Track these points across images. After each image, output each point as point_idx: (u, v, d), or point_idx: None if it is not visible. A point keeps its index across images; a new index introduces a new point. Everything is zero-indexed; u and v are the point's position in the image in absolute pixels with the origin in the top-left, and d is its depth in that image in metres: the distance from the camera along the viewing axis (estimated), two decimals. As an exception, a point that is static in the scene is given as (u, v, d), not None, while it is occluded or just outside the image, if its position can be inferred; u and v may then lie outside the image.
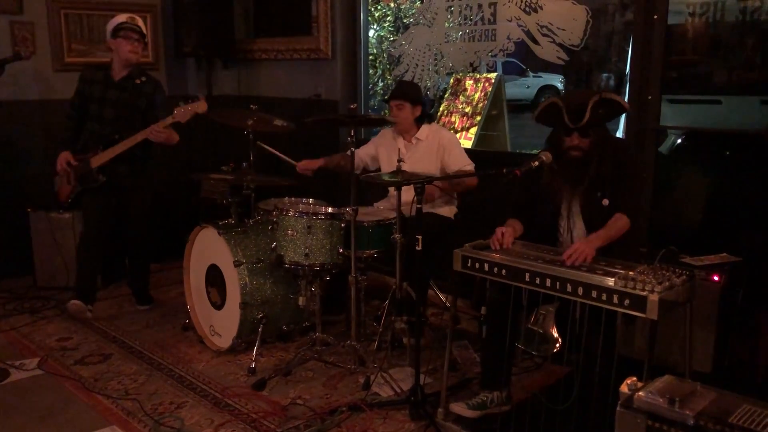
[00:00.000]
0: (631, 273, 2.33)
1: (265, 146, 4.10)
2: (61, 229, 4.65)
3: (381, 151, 4.08)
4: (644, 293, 2.22)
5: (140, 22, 4.08)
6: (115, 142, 3.97)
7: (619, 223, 2.72)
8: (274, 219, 3.57)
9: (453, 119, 5.93)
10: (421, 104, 3.95)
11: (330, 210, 3.62)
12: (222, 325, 3.74)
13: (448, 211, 3.95)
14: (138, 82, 4.09)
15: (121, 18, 4.04)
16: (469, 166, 3.84)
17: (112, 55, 4.11)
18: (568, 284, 2.40)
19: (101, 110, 4.07)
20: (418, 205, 3.01)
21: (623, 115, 3.90)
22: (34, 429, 2.97)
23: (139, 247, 4.38)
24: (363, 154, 4.11)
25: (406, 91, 3.91)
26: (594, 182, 2.79)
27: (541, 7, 4.02)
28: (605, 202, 2.78)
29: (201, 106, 3.84)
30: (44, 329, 4.09)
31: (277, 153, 4.12)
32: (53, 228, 4.65)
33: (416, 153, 3.92)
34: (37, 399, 3.24)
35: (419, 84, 4.44)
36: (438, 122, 5.91)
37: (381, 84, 7.16)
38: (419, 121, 3.94)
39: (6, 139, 4.82)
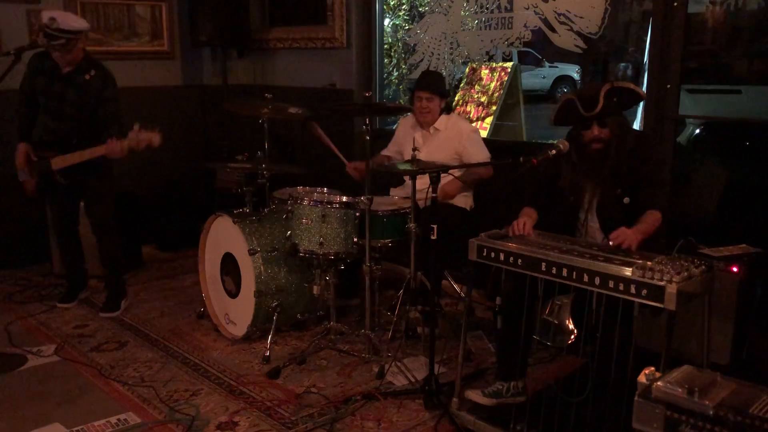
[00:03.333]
0: (648, 263, 2.30)
1: (321, 132, 3.96)
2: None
3: (401, 140, 4.07)
4: (662, 283, 2.19)
5: (58, 22, 3.59)
6: (73, 147, 3.75)
7: (654, 219, 2.68)
8: (289, 208, 3.57)
9: (468, 109, 5.90)
10: (446, 96, 3.94)
11: (345, 199, 3.61)
12: (237, 313, 3.75)
13: (463, 202, 3.93)
14: (87, 77, 3.77)
15: (42, 18, 3.66)
16: (487, 159, 3.82)
17: None
18: (585, 274, 2.37)
19: (60, 106, 3.79)
20: (433, 194, 2.99)
21: (641, 105, 3.86)
22: (50, 414, 3.00)
23: (103, 248, 4.16)
24: (392, 153, 4.13)
25: (438, 85, 3.90)
26: (613, 177, 2.76)
27: (559, -5, 3.98)
28: (626, 200, 2.75)
29: (155, 139, 3.69)
30: (61, 316, 4.13)
31: (331, 145, 4.00)
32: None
33: (433, 143, 3.90)
34: (54, 385, 3.26)
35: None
36: (454, 112, 5.88)
37: (396, 73, 7.12)
38: (441, 112, 3.93)
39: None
